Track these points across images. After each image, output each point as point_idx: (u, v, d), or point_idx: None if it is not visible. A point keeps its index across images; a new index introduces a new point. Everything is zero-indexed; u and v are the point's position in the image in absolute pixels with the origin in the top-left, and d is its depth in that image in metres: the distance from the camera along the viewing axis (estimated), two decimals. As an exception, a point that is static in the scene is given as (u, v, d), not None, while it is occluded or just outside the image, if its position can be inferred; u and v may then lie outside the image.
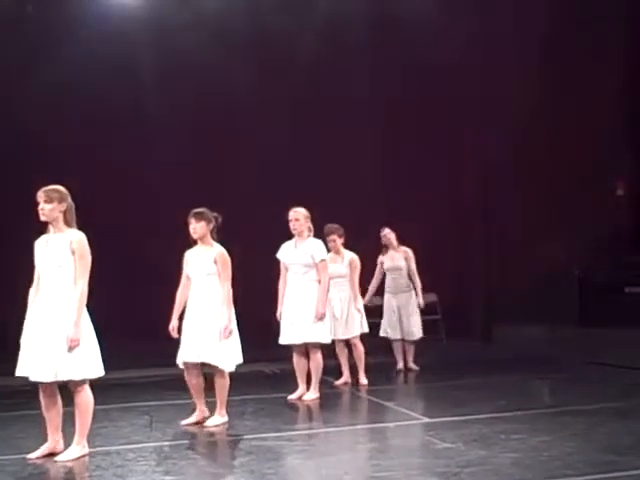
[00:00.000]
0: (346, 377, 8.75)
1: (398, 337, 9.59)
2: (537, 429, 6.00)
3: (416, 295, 9.55)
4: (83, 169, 10.76)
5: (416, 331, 9.58)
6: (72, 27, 11.45)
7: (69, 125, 11.49)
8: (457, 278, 11.35)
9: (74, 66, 11.20)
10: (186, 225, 6.71)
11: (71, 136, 11.38)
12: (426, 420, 6.66)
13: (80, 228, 5.61)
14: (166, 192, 11.45)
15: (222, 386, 6.59)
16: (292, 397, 7.75)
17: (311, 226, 7.73)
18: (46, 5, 11.77)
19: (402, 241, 9.64)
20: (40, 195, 5.51)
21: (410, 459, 5.35)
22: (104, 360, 5.55)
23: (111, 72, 11.61)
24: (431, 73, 12.44)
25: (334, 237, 8.57)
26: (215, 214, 6.74)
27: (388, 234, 9.56)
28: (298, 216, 7.62)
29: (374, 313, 9.65)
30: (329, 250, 8.34)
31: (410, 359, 9.73)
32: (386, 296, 9.64)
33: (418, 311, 9.63)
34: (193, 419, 6.68)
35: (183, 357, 6.55)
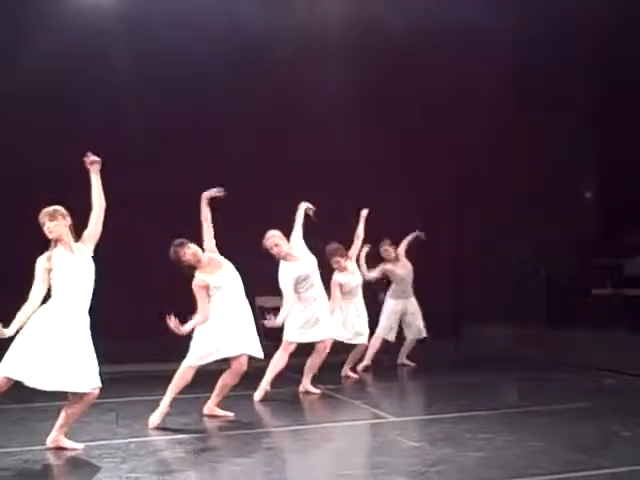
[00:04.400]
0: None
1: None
2: (503, 428, 6.04)
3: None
4: (56, 168, 10.71)
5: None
6: (45, 22, 11.33)
7: (40, 122, 11.37)
8: (425, 278, 11.37)
9: (49, 61, 11.09)
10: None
11: (44, 134, 11.28)
12: (393, 419, 6.68)
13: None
14: (138, 191, 11.41)
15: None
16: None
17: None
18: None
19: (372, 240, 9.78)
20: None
21: (377, 458, 5.35)
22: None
23: (86, 69, 11.52)
24: (406, 75, 12.50)
25: (337, 259, 8.76)
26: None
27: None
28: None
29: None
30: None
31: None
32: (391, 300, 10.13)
33: None
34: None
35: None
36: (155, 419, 6.43)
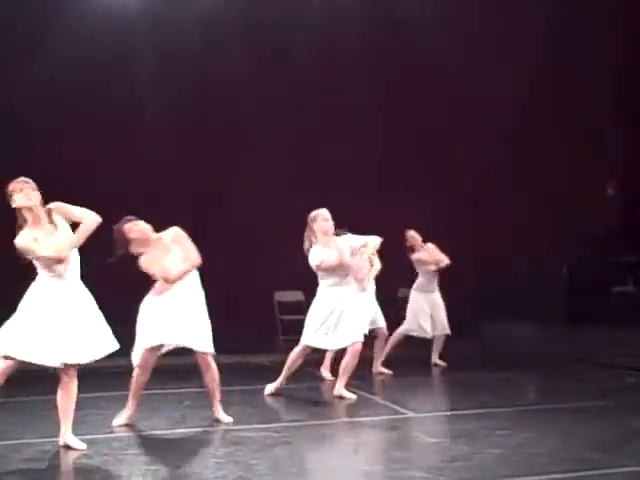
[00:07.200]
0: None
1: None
2: (522, 426, 6.03)
3: None
4: (80, 163, 10.80)
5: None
6: (68, 19, 11.40)
7: (64, 117, 11.43)
8: (445, 275, 11.33)
9: (69, 58, 11.15)
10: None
11: (67, 130, 11.34)
12: (412, 415, 6.68)
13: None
14: (163, 187, 11.47)
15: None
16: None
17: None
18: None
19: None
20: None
21: (395, 453, 5.35)
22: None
23: (107, 64, 11.57)
24: (427, 72, 12.48)
25: None
26: None
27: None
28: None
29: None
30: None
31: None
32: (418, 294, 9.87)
33: None
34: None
35: None
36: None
